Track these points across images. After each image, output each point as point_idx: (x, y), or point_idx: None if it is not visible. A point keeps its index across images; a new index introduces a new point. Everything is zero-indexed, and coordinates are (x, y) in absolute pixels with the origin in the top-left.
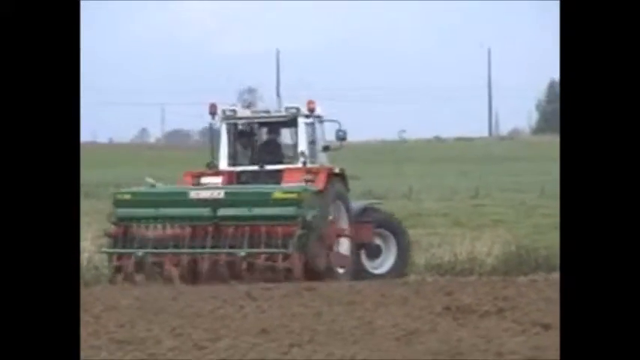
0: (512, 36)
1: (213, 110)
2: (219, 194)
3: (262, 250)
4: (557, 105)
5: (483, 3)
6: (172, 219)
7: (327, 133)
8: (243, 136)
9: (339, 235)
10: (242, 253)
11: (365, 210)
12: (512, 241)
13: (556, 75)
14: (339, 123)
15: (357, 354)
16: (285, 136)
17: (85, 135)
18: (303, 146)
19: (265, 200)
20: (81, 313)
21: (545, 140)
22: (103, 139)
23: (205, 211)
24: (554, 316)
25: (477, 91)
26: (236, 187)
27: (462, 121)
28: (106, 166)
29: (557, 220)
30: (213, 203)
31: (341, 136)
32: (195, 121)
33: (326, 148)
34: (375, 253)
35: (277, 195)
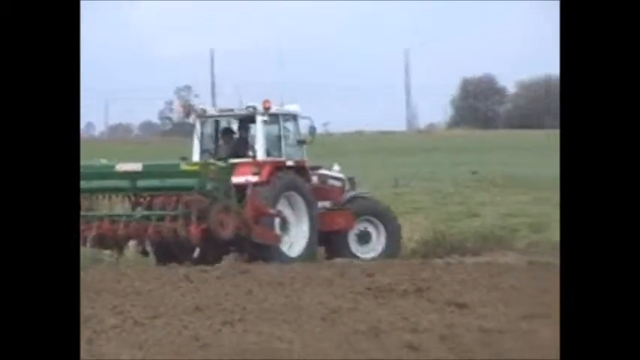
0: (433, 37)
1: (186, 111)
2: (138, 167)
3: (152, 212)
4: (469, 101)
5: (403, 4)
6: (98, 190)
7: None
8: (210, 132)
9: (262, 214)
10: (138, 216)
11: (353, 199)
12: (430, 227)
13: (468, 73)
14: (311, 120)
15: (284, 332)
16: (247, 132)
17: None
18: (259, 142)
19: (175, 172)
20: None
21: (458, 133)
22: None
23: (126, 183)
24: (467, 296)
25: (397, 89)
26: (152, 162)
27: (383, 116)
28: None
29: (469, 207)
30: (133, 175)
31: (311, 132)
32: (136, 116)
33: (301, 142)
34: (365, 239)
35: (183, 168)
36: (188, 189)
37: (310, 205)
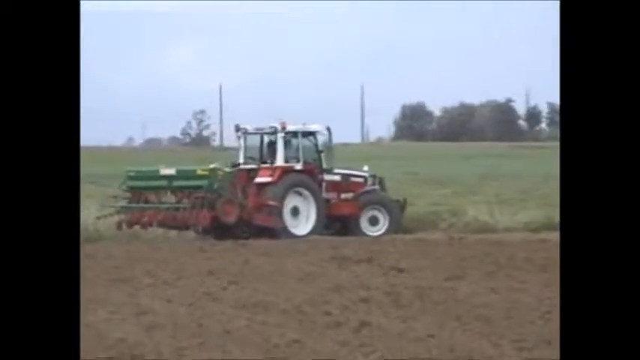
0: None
1: (237, 128)
2: (172, 171)
3: (169, 205)
4: (407, 121)
5: (358, 44)
6: (149, 187)
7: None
8: (250, 144)
9: (263, 205)
10: (162, 207)
11: (365, 192)
12: None
13: (406, 100)
14: (326, 136)
15: (272, 289)
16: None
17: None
18: (279, 152)
19: (194, 175)
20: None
21: (399, 145)
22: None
23: (164, 183)
24: (406, 263)
25: (354, 110)
26: (182, 167)
27: (342, 131)
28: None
29: (408, 198)
30: (169, 177)
31: (326, 145)
32: (165, 132)
33: (320, 152)
34: (374, 222)
35: (199, 172)
36: (200, 187)
37: (317, 198)
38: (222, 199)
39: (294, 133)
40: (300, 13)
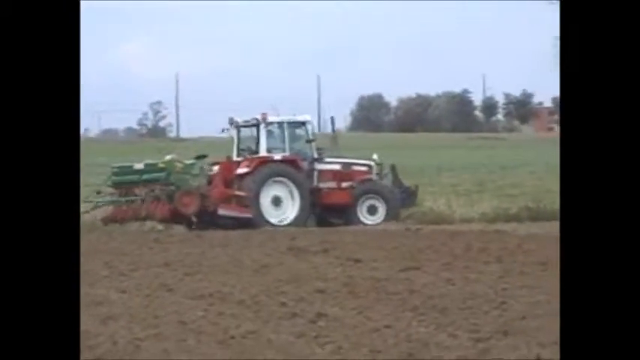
0: (338, 61)
1: (230, 121)
2: (141, 166)
3: (130, 198)
4: (364, 112)
5: (316, 36)
6: (123, 182)
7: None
8: (239, 135)
9: (228, 195)
10: (123, 200)
11: (364, 180)
12: None
13: (363, 91)
14: (313, 126)
15: (228, 280)
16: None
17: None
18: (261, 143)
19: (156, 168)
20: None
21: (356, 136)
22: None
23: (135, 177)
24: (362, 254)
25: (311, 103)
26: (153, 161)
27: None
28: None
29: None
30: (140, 171)
31: (313, 134)
32: (123, 122)
33: (309, 141)
34: (373, 211)
35: (160, 165)
36: (158, 180)
37: (300, 187)
38: (181, 191)
39: (280, 124)
40: (258, 4)
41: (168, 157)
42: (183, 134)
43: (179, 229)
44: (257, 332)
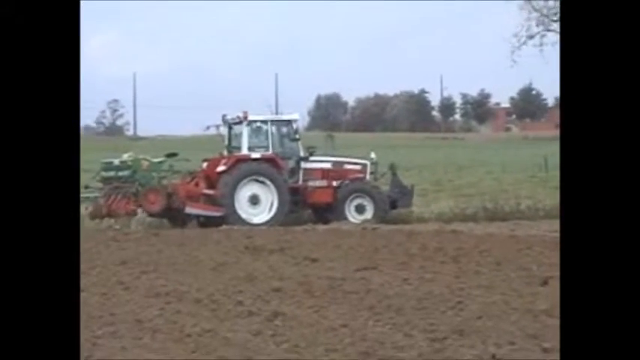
0: (297, 61)
1: (223, 120)
2: (118, 162)
3: (95, 194)
4: (321, 111)
5: (275, 32)
6: (107, 179)
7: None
8: (227, 134)
9: (195, 194)
10: (92, 196)
11: (353, 180)
12: None
13: (321, 91)
14: (296, 123)
15: (185, 279)
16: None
17: None
18: (243, 142)
19: (124, 166)
20: None
21: (312, 135)
22: None
23: (113, 173)
24: (318, 253)
25: (269, 103)
26: (124, 159)
27: None
28: None
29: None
30: (115, 168)
31: (296, 132)
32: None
33: (295, 140)
34: (361, 210)
35: (129, 163)
36: (126, 178)
37: (279, 186)
38: (146, 189)
39: (264, 122)
40: (215, 3)
41: (125, 156)
42: (141, 133)
43: (136, 227)
44: (214, 330)
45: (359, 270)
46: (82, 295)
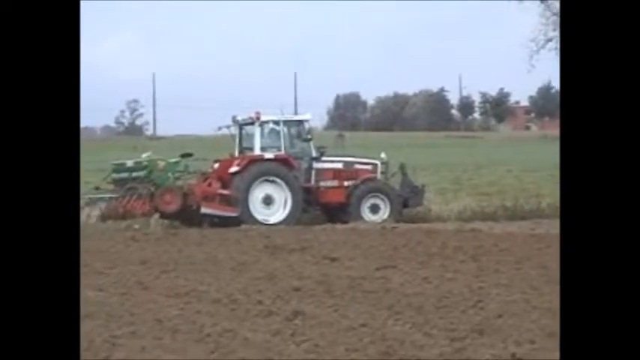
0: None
1: (233, 120)
2: (132, 163)
3: (115, 195)
4: (340, 111)
5: (292, 34)
6: (118, 180)
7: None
8: (241, 134)
9: (210, 193)
10: (107, 195)
11: (365, 180)
12: None
13: (340, 90)
14: (308, 123)
15: (205, 278)
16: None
17: None
18: (256, 142)
19: (140, 167)
20: None
21: (332, 135)
22: None
23: (126, 175)
24: (338, 252)
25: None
26: (139, 159)
27: None
28: None
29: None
30: (130, 169)
31: (309, 132)
32: (100, 120)
33: (307, 140)
34: (375, 209)
35: (144, 163)
36: (143, 178)
37: (291, 186)
38: (162, 189)
39: (276, 122)
40: (235, 3)
41: (144, 155)
42: (160, 132)
43: (156, 227)
44: (233, 330)
45: (379, 269)
46: (102, 294)
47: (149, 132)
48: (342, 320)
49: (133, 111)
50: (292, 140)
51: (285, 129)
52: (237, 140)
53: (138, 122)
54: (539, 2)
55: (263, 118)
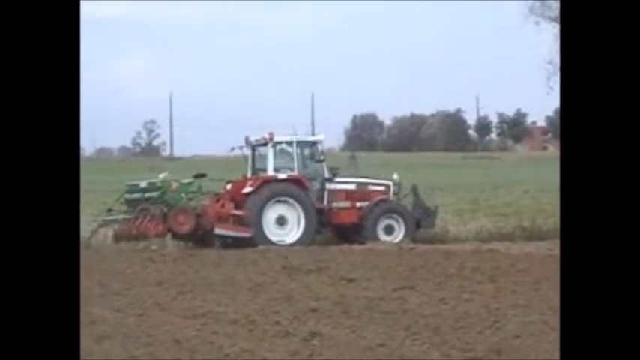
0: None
1: (246, 141)
2: (145, 184)
3: (128, 216)
4: (357, 131)
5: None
6: (131, 201)
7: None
8: (253, 154)
9: (223, 214)
10: (120, 217)
11: (380, 201)
12: None
13: (357, 111)
14: (321, 144)
15: (222, 299)
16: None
17: None
18: (269, 162)
19: (153, 188)
20: None
21: (346, 155)
22: None
23: (139, 195)
24: (355, 273)
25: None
26: (153, 180)
27: None
28: None
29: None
30: (143, 190)
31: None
32: (117, 141)
33: (319, 161)
34: (390, 230)
35: (158, 184)
36: (153, 199)
37: (305, 207)
38: (176, 210)
39: (289, 144)
40: (250, 23)
41: (161, 176)
42: (177, 153)
43: (172, 248)
44: (251, 351)
45: (396, 290)
46: (119, 315)
47: (166, 153)
48: (359, 341)
49: (149, 132)
50: (305, 161)
51: (298, 150)
52: (250, 161)
53: (155, 143)
54: (555, 23)
55: (276, 139)
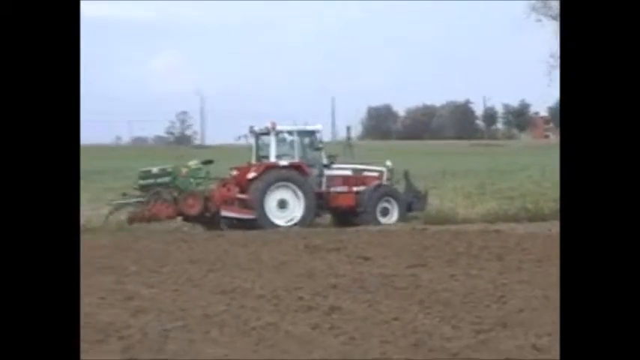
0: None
1: (250, 130)
2: (157, 170)
3: (140, 199)
4: (372, 122)
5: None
6: (144, 186)
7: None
8: (259, 142)
9: (229, 198)
10: (133, 200)
11: (378, 186)
12: None
13: (372, 103)
14: (319, 133)
15: (249, 276)
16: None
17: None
18: (271, 150)
19: (166, 173)
20: None
21: (364, 144)
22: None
23: (152, 181)
24: (371, 252)
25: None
26: (164, 166)
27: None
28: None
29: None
30: (155, 175)
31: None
32: (152, 131)
33: (318, 149)
34: (385, 213)
35: (168, 170)
36: (167, 184)
37: (305, 191)
38: (186, 193)
39: (290, 132)
40: (270, 21)
41: (191, 163)
42: (208, 142)
43: (202, 229)
44: (276, 324)
45: (409, 267)
46: (154, 291)
47: (197, 141)
48: (375, 314)
49: (182, 122)
50: (305, 149)
51: (299, 138)
52: (255, 149)
53: (187, 132)
54: (555, 21)
55: (277, 128)
